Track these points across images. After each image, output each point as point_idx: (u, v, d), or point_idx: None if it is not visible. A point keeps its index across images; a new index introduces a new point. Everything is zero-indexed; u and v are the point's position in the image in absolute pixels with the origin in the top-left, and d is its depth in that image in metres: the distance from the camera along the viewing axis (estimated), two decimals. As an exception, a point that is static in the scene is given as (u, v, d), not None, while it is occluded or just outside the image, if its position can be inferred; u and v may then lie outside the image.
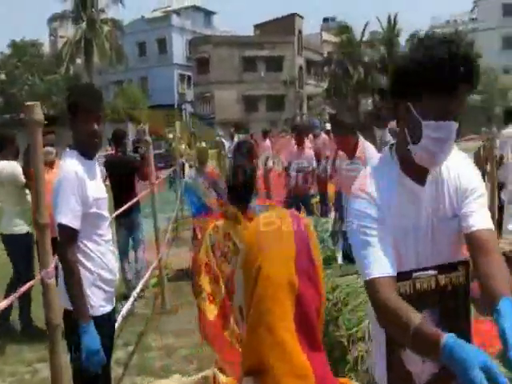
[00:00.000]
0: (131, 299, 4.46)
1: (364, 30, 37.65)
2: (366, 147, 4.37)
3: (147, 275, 5.28)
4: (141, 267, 5.68)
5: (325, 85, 39.99)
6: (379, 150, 4.51)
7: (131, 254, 5.81)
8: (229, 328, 2.16)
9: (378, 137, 9.22)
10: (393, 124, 6.37)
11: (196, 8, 47.24)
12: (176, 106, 40.78)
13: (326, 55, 42.31)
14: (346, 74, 36.54)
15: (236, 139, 20.24)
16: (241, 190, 2.38)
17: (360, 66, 36.18)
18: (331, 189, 7.08)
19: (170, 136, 17.00)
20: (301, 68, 43.09)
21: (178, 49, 43.56)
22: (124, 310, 3.97)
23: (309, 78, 45.00)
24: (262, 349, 1.05)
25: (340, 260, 4.36)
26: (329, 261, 3.95)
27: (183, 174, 14.59)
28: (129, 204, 4.89)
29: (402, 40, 37.79)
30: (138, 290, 4.77)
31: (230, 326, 2.15)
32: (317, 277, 1.11)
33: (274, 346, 1.04)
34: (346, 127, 4.35)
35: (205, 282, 2.23)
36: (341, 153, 4.64)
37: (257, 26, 45.49)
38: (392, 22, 37.57)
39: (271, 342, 1.04)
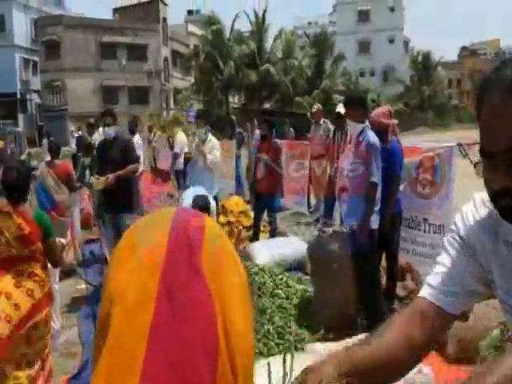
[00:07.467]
0: None
1: (233, 23, 36.14)
2: None
3: None
4: None
5: (191, 79, 37.40)
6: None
7: None
8: None
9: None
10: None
11: (43, -16, 41.09)
12: (19, 96, 34.83)
13: (192, 48, 39.74)
14: (215, 68, 34.49)
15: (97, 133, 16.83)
16: (12, 188, 2.86)
17: (230, 60, 34.38)
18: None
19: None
20: (166, 59, 39.87)
21: (21, 29, 37.32)
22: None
23: (175, 71, 41.96)
24: None
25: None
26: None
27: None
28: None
29: (270, 37, 36.94)
30: None
31: None
32: None
33: None
34: None
35: None
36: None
37: (116, 10, 41.16)
38: (261, 17, 36.48)
39: None
